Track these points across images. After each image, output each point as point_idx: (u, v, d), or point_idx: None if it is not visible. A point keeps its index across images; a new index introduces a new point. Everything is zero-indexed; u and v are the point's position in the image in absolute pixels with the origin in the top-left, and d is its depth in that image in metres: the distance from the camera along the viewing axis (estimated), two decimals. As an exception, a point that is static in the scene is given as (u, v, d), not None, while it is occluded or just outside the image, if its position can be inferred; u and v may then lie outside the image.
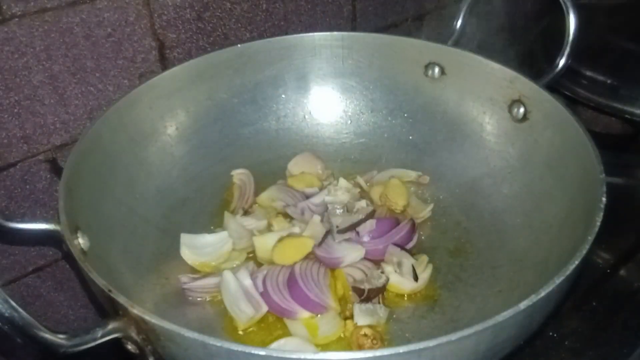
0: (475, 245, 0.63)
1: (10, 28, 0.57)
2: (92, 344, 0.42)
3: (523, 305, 0.40)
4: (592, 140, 0.56)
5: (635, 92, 0.82)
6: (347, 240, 0.61)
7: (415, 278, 0.58)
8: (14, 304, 0.38)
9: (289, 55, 0.74)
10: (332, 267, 0.59)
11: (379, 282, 0.57)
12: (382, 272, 0.58)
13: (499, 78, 0.68)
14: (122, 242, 0.59)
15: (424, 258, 0.61)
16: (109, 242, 0.56)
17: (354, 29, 0.88)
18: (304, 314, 0.55)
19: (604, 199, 0.49)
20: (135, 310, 0.41)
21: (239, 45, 0.72)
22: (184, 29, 0.70)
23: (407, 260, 0.58)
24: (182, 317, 0.56)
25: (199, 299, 0.58)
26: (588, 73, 0.85)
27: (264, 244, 0.61)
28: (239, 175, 0.70)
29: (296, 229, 0.62)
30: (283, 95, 0.76)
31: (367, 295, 0.56)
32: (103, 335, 0.42)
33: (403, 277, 0.58)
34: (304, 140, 0.76)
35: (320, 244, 0.60)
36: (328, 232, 0.61)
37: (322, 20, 0.83)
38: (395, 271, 0.58)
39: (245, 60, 0.72)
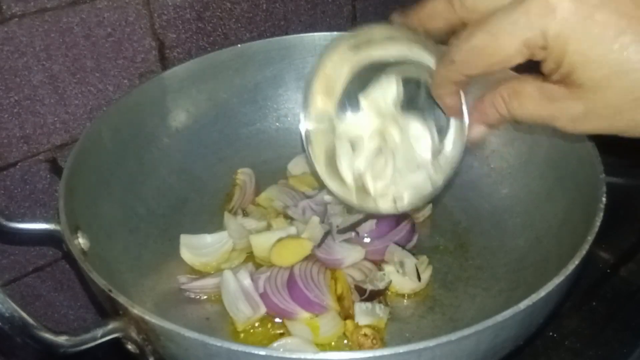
0: (475, 245, 0.63)
1: (10, 28, 0.57)
2: (92, 344, 0.42)
3: (523, 305, 0.40)
4: (592, 141, 0.56)
5: (635, 92, 0.82)
6: (347, 240, 0.61)
7: (419, 278, 0.58)
8: (13, 304, 0.38)
9: (289, 55, 0.74)
10: (332, 268, 0.59)
11: (382, 285, 0.57)
12: (384, 274, 0.58)
13: (499, 78, 0.68)
14: (122, 242, 0.59)
15: (424, 258, 0.61)
16: (109, 242, 0.56)
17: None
18: (304, 314, 0.55)
19: (604, 199, 0.49)
20: (136, 310, 0.41)
21: (239, 45, 0.72)
22: (184, 29, 0.70)
23: (410, 260, 0.58)
24: (182, 317, 0.56)
25: (198, 297, 0.58)
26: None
27: (261, 242, 0.61)
28: (241, 174, 0.70)
29: (293, 230, 0.62)
30: (283, 95, 0.76)
31: (368, 296, 0.56)
32: (103, 335, 0.42)
33: (405, 277, 0.58)
34: (304, 140, 0.76)
35: (319, 244, 0.60)
36: (327, 233, 0.61)
37: (322, 20, 0.83)
38: (398, 271, 0.58)
39: (245, 60, 0.72)
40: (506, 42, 0.36)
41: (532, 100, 0.39)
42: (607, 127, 0.37)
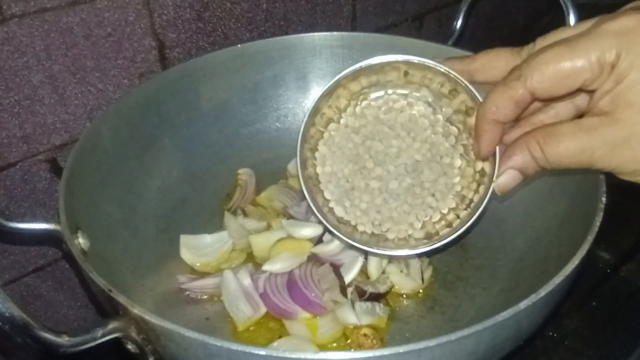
0: (475, 245, 0.63)
1: (10, 28, 0.57)
2: (92, 343, 0.42)
3: (523, 305, 0.40)
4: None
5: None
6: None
7: (422, 279, 0.58)
8: (14, 304, 0.38)
9: (289, 55, 0.74)
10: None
11: (382, 288, 0.57)
12: (386, 276, 0.58)
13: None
14: (122, 242, 0.59)
15: (424, 258, 0.61)
16: (109, 242, 0.56)
17: (354, 29, 0.88)
18: (304, 314, 0.55)
19: (604, 199, 0.49)
20: (136, 310, 0.41)
21: (239, 45, 0.72)
22: (184, 29, 0.70)
23: (415, 261, 0.59)
24: (182, 317, 0.56)
25: (198, 297, 0.58)
26: (588, 73, 0.85)
27: (261, 242, 0.61)
28: (242, 174, 0.70)
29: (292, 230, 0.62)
30: (283, 95, 0.76)
31: (368, 298, 0.56)
32: (103, 335, 0.42)
33: (408, 278, 0.58)
34: (304, 140, 0.76)
35: (318, 243, 0.60)
36: (326, 232, 0.61)
37: (322, 20, 0.83)
38: (402, 271, 0.58)
39: (245, 60, 0.72)
40: (581, 54, 0.36)
41: (569, 137, 0.38)
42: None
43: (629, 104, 0.36)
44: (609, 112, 0.37)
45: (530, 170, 0.42)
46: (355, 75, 0.48)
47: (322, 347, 0.53)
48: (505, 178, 0.43)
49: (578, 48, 0.36)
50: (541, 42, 0.42)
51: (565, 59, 0.37)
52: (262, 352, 0.37)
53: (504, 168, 0.43)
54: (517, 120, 0.43)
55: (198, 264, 0.61)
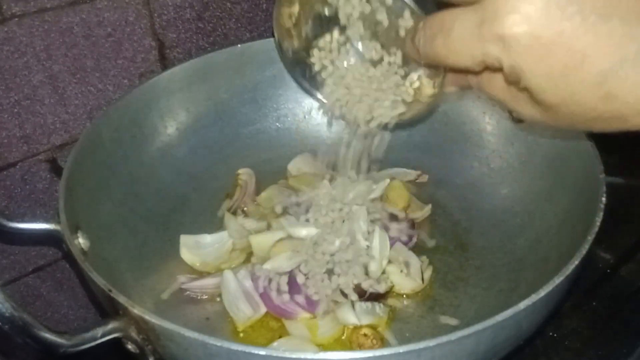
0: (475, 245, 0.63)
1: (10, 28, 0.57)
2: (92, 343, 0.42)
3: (523, 305, 0.40)
4: (592, 140, 0.56)
5: (635, 92, 0.81)
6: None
7: (422, 279, 0.58)
8: (14, 304, 0.38)
9: (289, 55, 0.74)
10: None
11: (382, 288, 0.56)
12: (386, 276, 0.58)
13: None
14: (122, 242, 0.59)
15: (424, 258, 0.61)
16: (109, 242, 0.56)
17: (354, 29, 0.88)
18: (304, 314, 0.55)
19: (604, 199, 0.49)
20: (136, 310, 0.41)
21: (239, 45, 0.72)
22: (184, 29, 0.70)
23: (415, 261, 0.59)
24: (182, 317, 0.56)
25: (198, 297, 0.58)
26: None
27: (261, 242, 0.61)
28: (242, 174, 0.71)
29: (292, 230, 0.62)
30: (283, 95, 0.76)
31: (368, 297, 0.56)
32: (103, 334, 0.42)
33: (408, 278, 0.58)
34: (304, 140, 0.76)
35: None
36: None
37: (322, 20, 0.83)
38: (402, 271, 0.58)
39: (245, 60, 0.72)
40: (465, 56, 0.36)
41: (500, 86, 0.39)
42: (568, 126, 0.37)
43: (537, 100, 0.36)
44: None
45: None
46: None
47: (322, 347, 0.53)
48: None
49: (461, 49, 0.36)
50: None
51: (452, 58, 0.37)
52: (262, 352, 0.37)
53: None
54: None
55: (198, 264, 0.61)
